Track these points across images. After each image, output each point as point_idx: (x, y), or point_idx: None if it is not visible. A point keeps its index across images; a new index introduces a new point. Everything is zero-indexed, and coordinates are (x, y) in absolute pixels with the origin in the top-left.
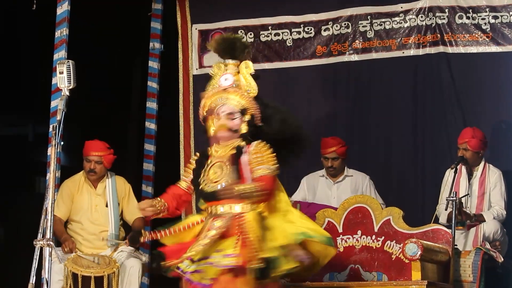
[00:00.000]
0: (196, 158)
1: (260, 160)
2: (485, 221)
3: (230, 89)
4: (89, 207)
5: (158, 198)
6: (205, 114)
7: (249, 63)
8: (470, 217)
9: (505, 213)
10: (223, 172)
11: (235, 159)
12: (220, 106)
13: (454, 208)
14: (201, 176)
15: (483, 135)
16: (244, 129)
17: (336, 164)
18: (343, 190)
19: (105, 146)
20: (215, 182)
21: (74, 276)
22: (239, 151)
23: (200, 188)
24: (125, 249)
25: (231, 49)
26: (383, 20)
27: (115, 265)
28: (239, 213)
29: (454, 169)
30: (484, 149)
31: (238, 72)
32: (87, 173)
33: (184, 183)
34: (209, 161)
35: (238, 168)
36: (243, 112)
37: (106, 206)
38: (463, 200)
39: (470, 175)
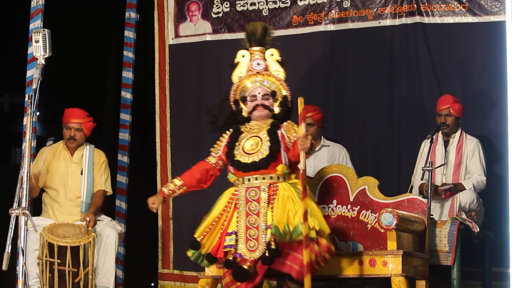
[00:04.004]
0: (229, 133)
1: (294, 132)
2: (465, 189)
3: (263, 72)
4: (65, 174)
5: (175, 179)
6: (237, 97)
7: (276, 51)
8: (450, 189)
9: (485, 179)
10: (258, 146)
11: (273, 131)
12: (255, 88)
13: (429, 178)
14: (235, 149)
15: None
16: (277, 110)
17: (312, 131)
18: (320, 160)
19: (85, 113)
20: (251, 154)
21: (50, 246)
22: (275, 125)
23: (235, 159)
24: (101, 218)
25: (263, 38)
26: None
27: (91, 234)
28: (272, 183)
29: (430, 138)
30: (463, 115)
31: (264, 59)
32: (67, 141)
33: (213, 158)
34: (242, 135)
35: (278, 139)
36: (273, 94)
37: (81, 174)
38: (438, 170)
39: (446, 142)
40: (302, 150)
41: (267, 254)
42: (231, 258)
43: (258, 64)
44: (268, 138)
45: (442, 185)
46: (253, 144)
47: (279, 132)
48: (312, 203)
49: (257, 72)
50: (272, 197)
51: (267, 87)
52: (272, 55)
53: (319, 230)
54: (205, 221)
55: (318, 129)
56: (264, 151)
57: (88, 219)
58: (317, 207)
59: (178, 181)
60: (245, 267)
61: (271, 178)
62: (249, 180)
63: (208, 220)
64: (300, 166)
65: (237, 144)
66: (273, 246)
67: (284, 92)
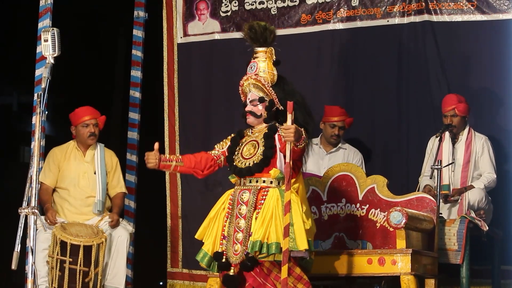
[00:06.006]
0: (232, 136)
1: None
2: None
3: (253, 76)
4: (77, 174)
5: (177, 155)
6: (243, 101)
7: (273, 50)
8: (461, 193)
9: (495, 176)
10: (255, 150)
11: (269, 135)
12: (247, 94)
13: (438, 177)
14: (235, 154)
15: (465, 99)
16: (264, 114)
17: (341, 133)
18: (335, 161)
19: (95, 109)
20: (247, 158)
21: (63, 244)
22: (273, 129)
23: (233, 164)
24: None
25: (263, 39)
26: None
27: (103, 235)
28: (264, 187)
29: (439, 137)
30: (469, 113)
31: (265, 59)
32: (87, 138)
33: (215, 151)
34: (243, 139)
35: (272, 144)
36: (261, 99)
37: (95, 173)
38: (446, 168)
39: (454, 139)
40: (286, 141)
41: (247, 261)
42: (223, 261)
43: (251, 67)
44: (263, 142)
45: (453, 195)
46: (250, 149)
47: (276, 135)
48: (296, 213)
49: (249, 76)
50: (260, 201)
51: (256, 92)
52: (270, 55)
53: (293, 254)
54: (204, 222)
55: (344, 132)
56: (259, 155)
57: (113, 218)
58: (301, 218)
59: (177, 156)
60: (230, 273)
61: (263, 182)
62: (244, 183)
63: (206, 221)
64: (286, 157)
65: (237, 148)
66: (250, 254)
67: (270, 97)
